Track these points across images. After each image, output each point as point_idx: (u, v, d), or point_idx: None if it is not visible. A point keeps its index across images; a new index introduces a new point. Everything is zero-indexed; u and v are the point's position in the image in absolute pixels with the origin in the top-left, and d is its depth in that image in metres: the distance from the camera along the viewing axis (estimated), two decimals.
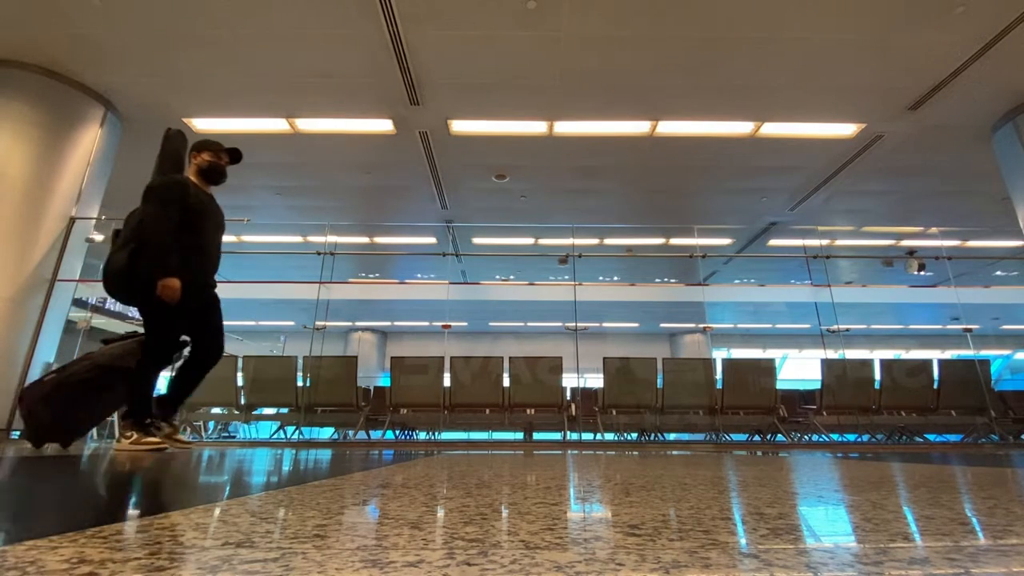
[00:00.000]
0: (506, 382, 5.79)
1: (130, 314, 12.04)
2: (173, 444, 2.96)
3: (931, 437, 6.10)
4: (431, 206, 8.66)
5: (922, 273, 8.16)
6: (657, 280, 12.35)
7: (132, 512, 1.02)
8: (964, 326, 7.11)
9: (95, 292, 7.79)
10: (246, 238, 9.66)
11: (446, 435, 6.31)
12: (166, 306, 2.77)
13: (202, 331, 3.09)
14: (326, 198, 8.36)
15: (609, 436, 6.23)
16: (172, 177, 3.07)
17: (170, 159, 3.19)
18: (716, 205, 8.65)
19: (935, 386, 5.76)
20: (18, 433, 5.15)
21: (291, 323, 14.91)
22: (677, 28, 4.87)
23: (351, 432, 6.34)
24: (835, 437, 5.95)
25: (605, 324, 16.25)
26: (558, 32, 4.90)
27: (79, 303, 6.72)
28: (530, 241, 10.20)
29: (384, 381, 8.18)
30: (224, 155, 3.26)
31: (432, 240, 10.29)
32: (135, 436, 2.82)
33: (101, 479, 1.80)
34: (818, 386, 6.09)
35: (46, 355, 5.47)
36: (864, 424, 5.85)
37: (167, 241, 2.80)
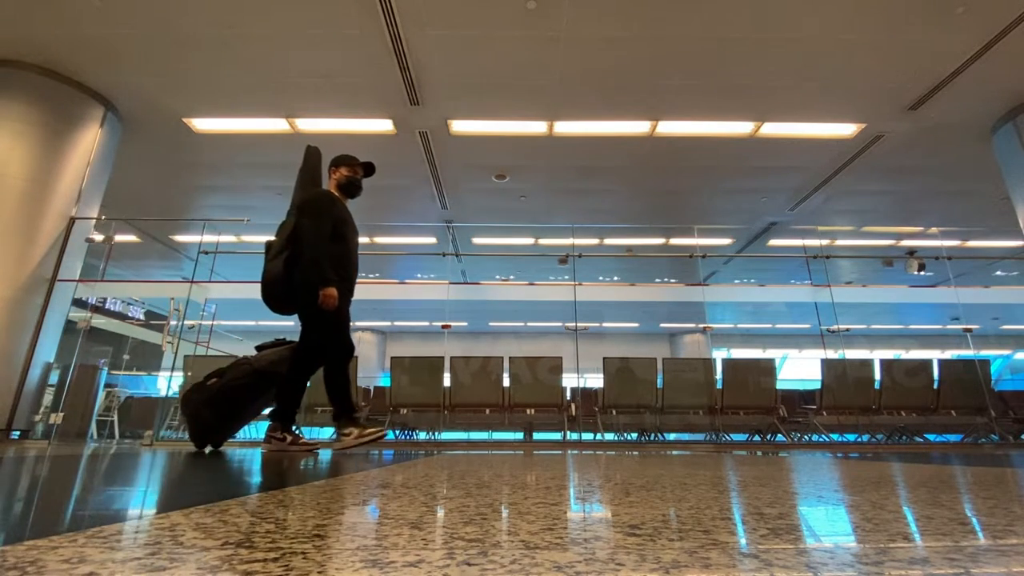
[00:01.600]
0: (506, 382, 5.78)
1: (130, 314, 12.05)
2: (369, 445, 3.07)
3: (931, 437, 6.10)
4: (431, 206, 8.66)
5: (922, 273, 8.16)
6: (657, 280, 12.35)
7: (132, 512, 1.02)
8: (964, 326, 7.11)
9: (95, 292, 7.81)
10: (246, 238, 9.66)
11: (446, 435, 6.31)
12: (325, 313, 2.92)
13: (343, 332, 3.20)
14: None
15: (609, 436, 6.23)
16: (324, 191, 3.22)
17: (311, 174, 3.35)
18: (716, 205, 8.65)
19: (935, 386, 5.76)
20: (17, 433, 5.15)
21: (291, 323, 14.88)
22: (677, 28, 4.87)
23: None
24: (835, 437, 5.95)
25: (605, 324, 16.26)
26: (558, 32, 4.90)
27: (79, 303, 6.72)
28: (530, 241, 10.20)
29: (384, 381, 8.17)
30: (359, 169, 3.36)
31: (432, 240, 10.29)
32: (290, 438, 2.96)
33: (101, 479, 1.80)
34: (818, 386, 6.09)
35: (46, 355, 5.47)
36: (864, 424, 5.85)
37: (324, 253, 2.97)
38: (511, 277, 12.66)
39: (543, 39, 5.00)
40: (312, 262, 2.93)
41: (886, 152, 6.86)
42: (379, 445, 4.48)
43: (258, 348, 3.25)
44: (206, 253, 6.92)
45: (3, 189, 5.22)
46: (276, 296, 3.01)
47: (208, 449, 3.10)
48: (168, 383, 6.80)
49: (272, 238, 3.19)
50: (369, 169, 3.38)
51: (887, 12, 4.65)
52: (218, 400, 3.00)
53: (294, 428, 3.20)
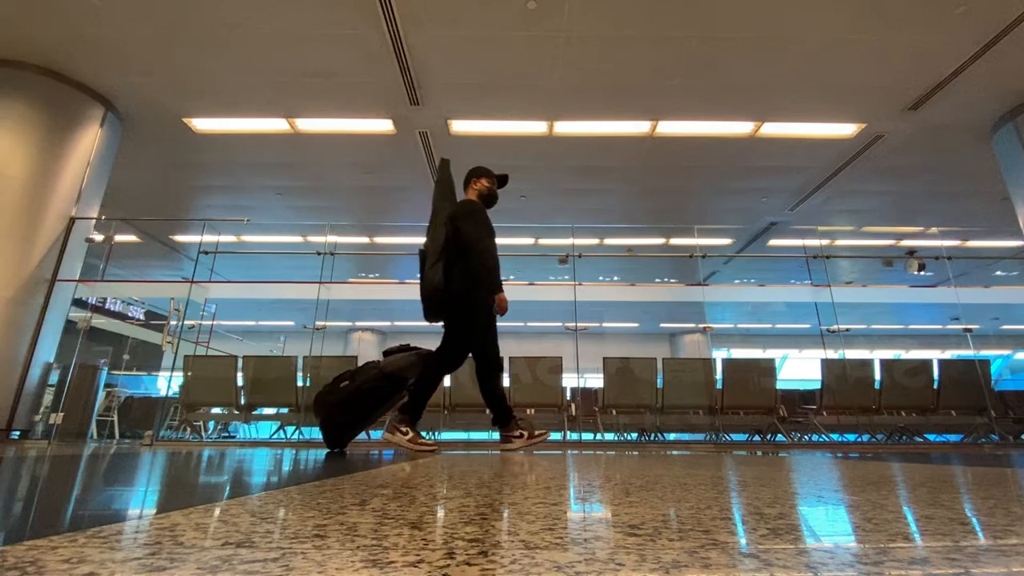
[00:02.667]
0: (506, 382, 5.78)
1: (130, 314, 12.05)
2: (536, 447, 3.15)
3: (931, 437, 6.09)
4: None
5: (922, 273, 8.15)
6: (657, 280, 12.35)
7: (132, 512, 1.02)
8: (964, 326, 7.10)
9: (95, 292, 7.81)
10: (246, 238, 9.66)
11: (446, 435, 6.30)
12: (476, 320, 3.06)
13: (489, 335, 3.27)
14: (326, 198, 8.36)
15: (609, 436, 6.23)
16: (476, 202, 3.31)
17: (450, 185, 3.41)
18: (716, 205, 8.65)
19: (935, 386, 5.76)
20: (17, 433, 5.15)
21: (291, 323, 14.92)
22: (677, 28, 4.87)
23: None
24: (835, 437, 5.95)
25: (605, 324, 16.26)
26: (558, 32, 4.90)
27: (79, 303, 6.72)
28: (530, 241, 10.20)
29: None
30: (496, 180, 3.44)
31: None
32: (412, 435, 3.00)
33: (101, 479, 1.80)
34: (818, 386, 6.09)
35: (46, 355, 5.47)
36: (864, 424, 5.85)
37: (494, 261, 3.09)
38: (511, 277, 12.62)
39: (543, 39, 5.00)
40: (484, 270, 3.05)
41: (886, 152, 6.86)
42: (379, 445, 4.48)
43: (385, 353, 3.32)
44: (206, 253, 6.92)
45: (3, 189, 5.22)
46: (436, 305, 3.07)
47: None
48: (168, 383, 6.81)
49: (422, 246, 3.24)
50: (503, 181, 3.45)
51: (887, 12, 4.65)
52: (350, 402, 3.11)
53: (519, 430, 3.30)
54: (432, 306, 3.08)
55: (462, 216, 3.13)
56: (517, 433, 3.11)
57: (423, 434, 3.20)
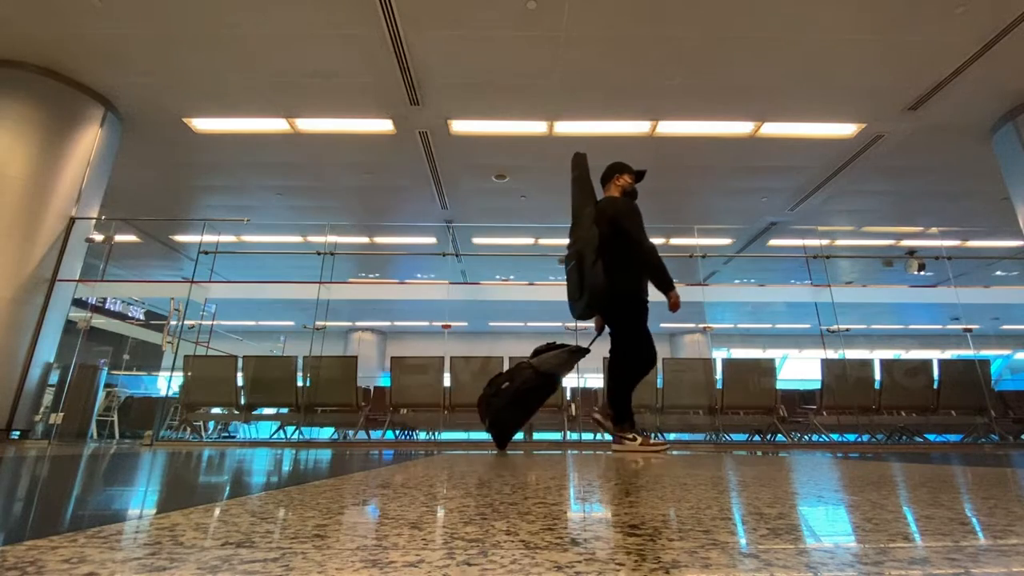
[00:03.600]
0: None
1: (130, 314, 12.05)
2: (648, 455, 3.17)
3: (931, 437, 6.09)
4: (431, 206, 8.66)
5: (922, 273, 8.16)
6: None
7: (132, 512, 1.02)
8: (964, 326, 7.10)
9: (95, 292, 7.80)
10: (246, 238, 9.66)
11: (446, 435, 6.30)
12: (642, 316, 3.08)
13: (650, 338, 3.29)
14: (326, 198, 8.36)
15: (608, 436, 6.22)
16: (630, 200, 3.34)
17: (589, 181, 3.42)
18: (716, 205, 8.65)
19: (935, 386, 5.76)
20: (17, 433, 5.15)
21: (291, 323, 14.91)
22: (677, 28, 4.87)
23: (351, 432, 6.33)
24: (835, 437, 5.95)
25: None
26: (558, 32, 4.90)
27: (79, 303, 6.72)
28: (530, 241, 10.20)
29: (384, 381, 8.16)
30: (636, 176, 3.49)
31: (432, 240, 10.29)
32: (640, 439, 3.06)
33: (101, 479, 1.80)
34: (818, 386, 6.09)
35: (46, 355, 5.47)
36: (864, 424, 5.85)
37: (660, 259, 3.11)
38: (511, 277, 12.66)
39: (543, 39, 5.00)
40: (655, 268, 3.08)
41: (886, 152, 6.86)
42: (380, 445, 4.48)
43: (536, 352, 3.35)
44: (206, 253, 6.92)
45: (3, 189, 5.22)
46: (600, 304, 3.08)
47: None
48: (168, 383, 6.80)
49: (572, 246, 3.25)
50: (641, 176, 3.48)
51: (887, 12, 4.65)
52: (515, 402, 3.19)
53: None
54: (595, 306, 3.10)
55: (625, 215, 3.15)
56: (631, 436, 3.10)
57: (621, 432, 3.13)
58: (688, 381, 5.89)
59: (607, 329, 3.28)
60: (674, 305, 3.15)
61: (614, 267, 3.02)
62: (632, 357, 3.13)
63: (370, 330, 16.92)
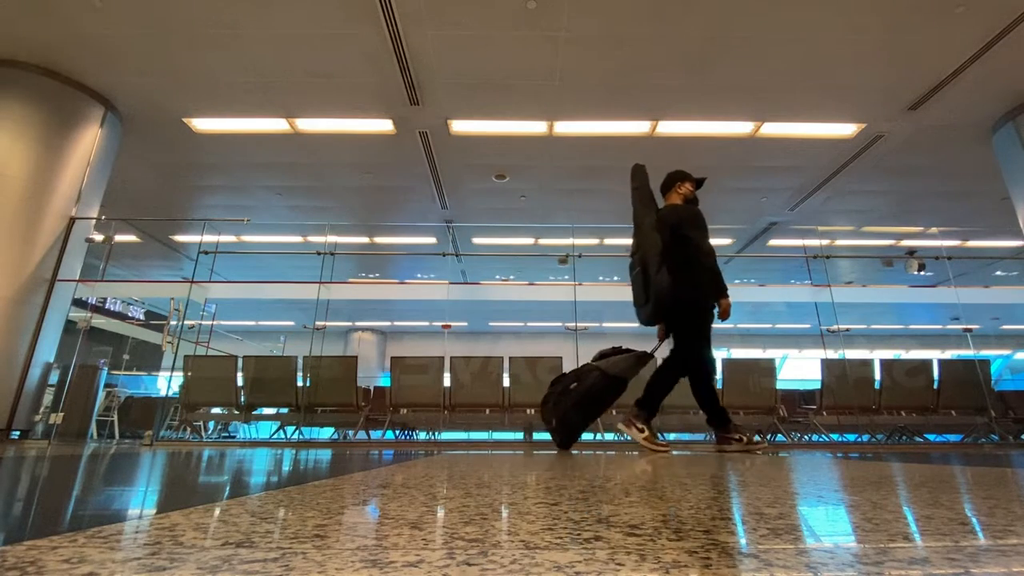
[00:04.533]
0: (506, 382, 5.78)
1: (130, 314, 12.05)
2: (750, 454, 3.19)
3: (931, 437, 6.10)
4: (431, 206, 8.66)
5: (922, 273, 8.15)
6: None
7: (132, 512, 1.02)
8: (964, 326, 7.10)
9: (95, 292, 7.81)
10: (246, 238, 9.66)
11: (446, 435, 6.31)
12: (705, 323, 3.15)
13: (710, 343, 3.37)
14: (326, 198, 8.36)
15: (609, 436, 6.23)
16: (694, 208, 3.41)
17: (649, 190, 3.50)
18: (716, 205, 8.63)
19: (935, 386, 5.76)
20: (17, 433, 5.15)
21: (291, 323, 14.92)
22: (677, 28, 4.87)
23: (351, 432, 6.34)
24: (835, 437, 5.95)
25: (605, 324, 16.23)
26: (558, 32, 4.90)
27: (79, 303, 6.72)
28: (530, 241, 10.20)
29: (384, 381, 8.17)
30: (696, 183, 3.59)
31: (432, 240, 10.29)
32: (647, 434, 3.16)
33: (101, 479, 1.80)
34: (818, 386, 6.09)
35: (46, 355, 5.47)
36: (864, 424, 5.85)
37: (717, 266, 3.19)
38: (511, 277, 12.66)
39: (543, 39, 5.00)
40: (714, 275, 3.14)
41: (886, 152, 6.86)
42: (380, 445, 4.48)
43: (601, 355, 3.43)
44: (206, 253, 6.92)
45: (3, 189, 5.23)
46: (665, 308, 3.13)
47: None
48: (168, 383, 6.81)
49: (635, 253, 3.31)
50: (701, 183, 3.59)
51: (887, 12, 4.65)
52: (582, 403, 3.26)
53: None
54: (660, 311, 3.15)
55: (688, 222, 3.23)
56: (736, 436, 3.16)
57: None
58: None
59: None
60: (725, 312, 3.20)
61: (677, 273, 3.08)
62: (691, 363, 3.22)
63: (370, 330, 16.92)
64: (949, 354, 13.41)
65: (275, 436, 6.16)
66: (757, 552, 0.57)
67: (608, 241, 10.30)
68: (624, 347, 3.40)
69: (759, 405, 5.76)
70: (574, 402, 3.24)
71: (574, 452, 3.16)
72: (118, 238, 6.74)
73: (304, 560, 0.53)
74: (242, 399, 5.73)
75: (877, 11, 4.64)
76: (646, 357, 3.36)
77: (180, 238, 9.97)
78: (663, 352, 3.47)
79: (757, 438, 3.34)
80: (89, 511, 1.04)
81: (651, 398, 3.23)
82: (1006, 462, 2.43)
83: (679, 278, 3.06)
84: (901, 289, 10.82)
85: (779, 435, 5.93)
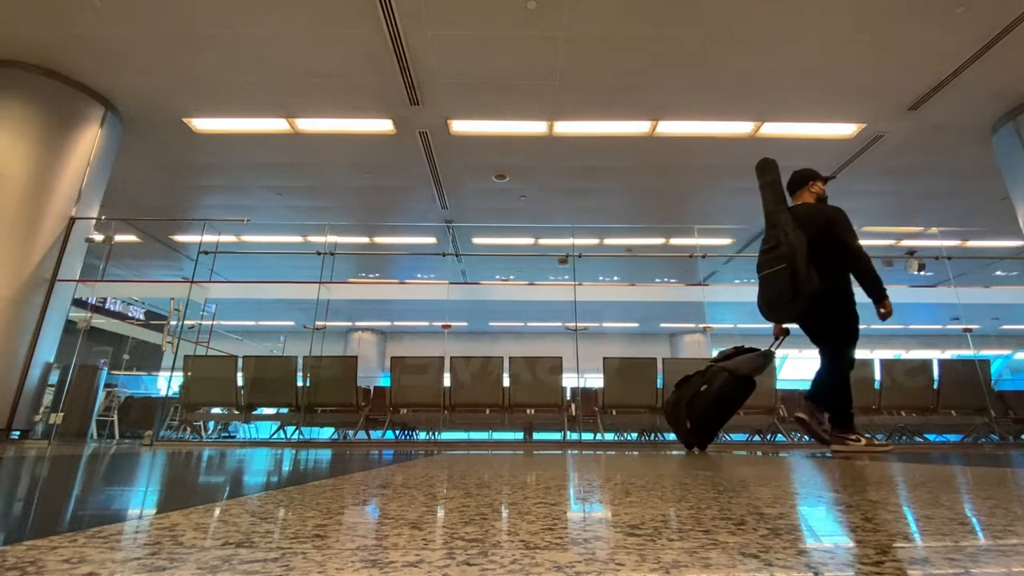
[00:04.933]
0: (506, 382, 5.78)
1: (130, 314, 12.05)
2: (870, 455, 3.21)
3: (931, 437, 6.09)
4: (431, 206, 8.66)
5: (922, 273, 8.15)
6: (657, 280, 12.35)
7: (132, 512, 1.02)
8: (964, 326, 7.11)
9: (95, 292, 7.81)
10: (246, 238, 9.66)
11: (446, 435, 6.31)
12: (855, 320, 3.18)
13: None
14: (326, 198, 8.36)
15: (609, 436, 6.23)
16: (838, 208, 3.37)
17: (780, 186, 3.52)
18: (716, 205, 8.65)
19: (935, 386, 5.76)
20: (17, 433, 5.15)
21: (291, 323, 14.92)
22: (677, 28, 4.87)
23: (351, 432, 6.33)
24: None
25: (605, 324, 16.24)
26: (558, 32, 4.90)
27: (79, 303, 6.72)
28: (530, 241, 10.20)
29: (384, 381, 8.17)
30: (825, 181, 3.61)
31: (432, 240, 10.29)
32: (864, 440, 3.14)
33: (101, 479, 1.80)
34: None
35: (46, 355, 5.47)
36: (864, 424, 5.84)
37: (874, 268, 3.21)
38: (511, 277, 12.66)
39: (543, 39, 5.00)
40: (873, 276, 3.18)
41: (886, 152, 6.86)
42: (380, 445, 4.48)
43: (723, 356, 3.49)
44: (206, 253, 6.92)
45: (3, 189, 5.23)
46: (814, 308, 3.12)
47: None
48: (168, 383, 6.81)
49: (774, 249, 3.27)
50: (827, 180, 3.64)
51: (887, 12, 4.65)
52: (717, 403, 3.32)
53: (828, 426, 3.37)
54: (809, 311, 3.15)
55: (839, 223, 3.23)
56: (854, 437, 3.15)
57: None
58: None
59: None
60: (886, 313, 3.25)
61: (823, 272, 3.09)
62: (847, 361, 3.22)
63: (370, 330, 16.92)
64: (949, 354, 13.42)
65: (275, 436, 6.16)
66: (757, 552, 0.57)
67: (608, 241, 10.31)
68: (746, 346, 3.47)
69: (759, 405, 5.76)
70: (708, 403, 3.29)
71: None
72: (118, 238, 6.74)
73: (304, 560, 0.53)
74: (242, 399, 5.73)
75: (877, 11, 4.64)
76: (771, 355, 3.43)
77: (180, 238, 9.97)
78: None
79: (881, 437, 3.35)
80: (89, 511, 1.04)
81: (842, 409, 3.20)
82: (1006, 462, 2.43)
83: (826, 277, 3.08)
84: (901, 289, 10.80)
85: (779, 435, 5.93)
